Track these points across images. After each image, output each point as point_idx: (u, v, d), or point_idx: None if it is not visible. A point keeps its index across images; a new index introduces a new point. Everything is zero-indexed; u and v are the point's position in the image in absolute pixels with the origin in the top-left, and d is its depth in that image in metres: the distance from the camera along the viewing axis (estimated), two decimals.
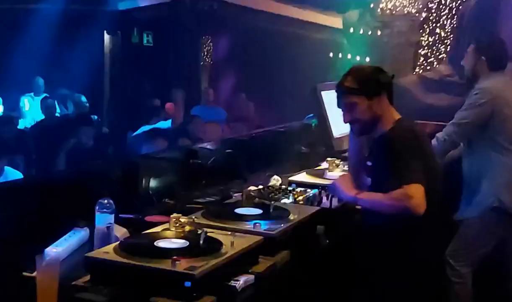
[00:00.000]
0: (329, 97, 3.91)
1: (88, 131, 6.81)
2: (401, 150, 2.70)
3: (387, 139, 2.77)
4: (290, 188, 3.35)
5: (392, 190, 2.66)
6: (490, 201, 3.84)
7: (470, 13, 7.19)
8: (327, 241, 2.81)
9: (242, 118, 8.86)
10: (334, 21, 9.68)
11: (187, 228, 2.38)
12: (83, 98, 9.18)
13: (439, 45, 7.47)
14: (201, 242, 2.20)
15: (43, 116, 8.70)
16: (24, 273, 2.17)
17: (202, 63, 11.99)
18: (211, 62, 12.12)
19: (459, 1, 7.35)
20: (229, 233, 2.37)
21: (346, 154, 3.55)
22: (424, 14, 7.57)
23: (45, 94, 9.40)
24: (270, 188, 3.39)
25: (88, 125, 7.02)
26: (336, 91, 2.91)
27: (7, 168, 5.18)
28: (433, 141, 3.98)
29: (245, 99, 9.75)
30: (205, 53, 12.11)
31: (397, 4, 7.72)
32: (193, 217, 2.58)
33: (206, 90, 10.37)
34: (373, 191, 2.82)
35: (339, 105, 2.91)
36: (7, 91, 9.57)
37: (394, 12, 7.74)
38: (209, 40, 12.10)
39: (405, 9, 7.69)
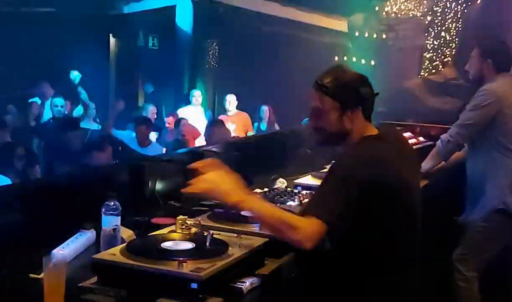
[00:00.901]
0: None
1: (76, 136, 6.54)
2: (334, 175, 2.31)
3: (336, 159, 2.40)
4: (295, 191, 3.35)
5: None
6: (495, 203, 3.83)
7: (475, 17, 7.20)
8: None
9: None
10: (340, 24, 9.70)
11: (193, 230, 2.38)
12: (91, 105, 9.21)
13: (444, 48, 7.47)
14: (207, 244, 2.21)
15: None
16: (31, 275, 2.18)
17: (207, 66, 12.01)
18: (216, 66, 12.14)
19: (464, 5, 7.36)
20: (235, 235, 2.37)
21: None
22: (429, 18, 7.58)
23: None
24: (275, 190, 3.40)
25: (75, 130, 6.68)
26: (312, 86, 2.49)
27: None
28: (438, 143, 4.00)
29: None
30: (210, 56, 12.13)
31: (402, 7, 7.73)
32: (199, 219, 2.58)
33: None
34: None
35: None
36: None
37: (399, 15, 7.75)
38: (214, 44, 12.12)
39: (410, 12, 7.70)
